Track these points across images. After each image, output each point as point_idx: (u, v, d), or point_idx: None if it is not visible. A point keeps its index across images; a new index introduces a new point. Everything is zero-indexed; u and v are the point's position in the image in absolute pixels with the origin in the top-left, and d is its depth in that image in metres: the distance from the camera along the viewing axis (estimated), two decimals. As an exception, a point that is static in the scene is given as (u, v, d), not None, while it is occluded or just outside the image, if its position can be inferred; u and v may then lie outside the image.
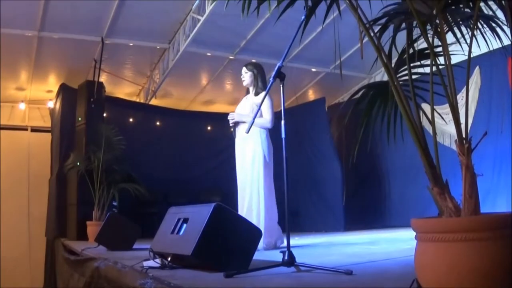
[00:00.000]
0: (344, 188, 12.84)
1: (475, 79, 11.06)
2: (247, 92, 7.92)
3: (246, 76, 7.76)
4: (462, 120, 2.91)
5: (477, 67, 10.95)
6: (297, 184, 13.21)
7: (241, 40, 12.57)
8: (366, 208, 13.74)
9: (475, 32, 3.48)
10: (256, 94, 7.67)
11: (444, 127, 10.43)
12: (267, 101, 7.32)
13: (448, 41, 3.27)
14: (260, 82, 7.70)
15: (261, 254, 6.40)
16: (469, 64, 3.01)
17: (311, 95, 15.96)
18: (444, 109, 2.95)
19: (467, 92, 3.07)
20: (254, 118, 5.67)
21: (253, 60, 10.35)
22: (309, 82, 15.32)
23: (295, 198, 12.91)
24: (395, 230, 10.85)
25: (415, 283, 2.75)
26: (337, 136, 14.24)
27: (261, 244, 6.58)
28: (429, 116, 3.12)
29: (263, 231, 6.82)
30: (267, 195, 7.28)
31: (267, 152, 7.39)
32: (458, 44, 3.65)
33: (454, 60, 3.66)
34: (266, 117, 7.42)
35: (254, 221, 6.74)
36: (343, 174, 12.88)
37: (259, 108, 6.17)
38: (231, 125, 7.57)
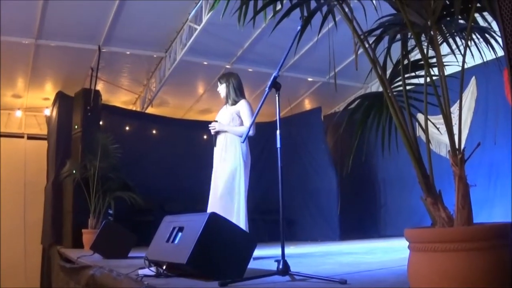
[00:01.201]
0: (339, 197, 12.87)
1: (471, 89, 11.09)
2: (226, 102, 7.87)
3: (221, 88, 7.81)
4: (457, 131, 2.93)
5: (473, 77, 10.98)
6: (293, 193, 13.23)
7: (238, 49, 12.60)
8: (361, 218, 13.75)
9: (470, 43, 3.51)
10: (233, 103, 7.65)
11: (440, 137, 10.46)
12: (247, 108, 7.41)
13: (444, 52, 3.29)
14: (233, 91, 7.69)
15: (256, 263, 6.41)
16: (462, 75, 3.03)
17: (307, 105, 16.00)
18: (440, 119, 2.97)
19: (461, 102, 3.10)
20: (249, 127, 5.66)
21: (229, 66, 10.43)
22: (305, 92, 15.35)
23: (290, 207, 12.91)
24: (390, 240, 10.87)
25: (408, 293, 2.77)
26: (332, 146, 14.27)
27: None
28: (424, 126, 3.14)
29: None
30: (245, 208, 7.23)
31: (244, 164, 7.32)
32: (453, 55, 3.67)
33: (450, 70, 3.69)
34: (247, 125, 7.34)
35: None
36: (338, 183, 12.90)
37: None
38: (212, 134, 7.55)
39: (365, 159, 4.39)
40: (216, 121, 7.53)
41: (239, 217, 7.09)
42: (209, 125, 7.55)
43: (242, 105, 7.49)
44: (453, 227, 2.74)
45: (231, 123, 7.41)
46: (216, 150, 7.57)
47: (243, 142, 6.19)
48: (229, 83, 7.73)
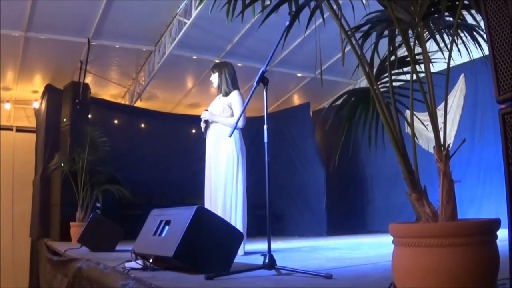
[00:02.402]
0: (325, 193, 12.88)
1: (460, 86, 11.13)
2: (218, 92, 7.75)
3: (214, 78, 7.70)
4: (448, 127, 2.96)
5: (462, 74, 11.02)
6: (281, 189, 13.25)
7: (227, 44, 12.59)
8: (349, 214, 13.81)
9: (457, 41, 3.53)
10: (225, 94, 7.52)
11: (429, 134, 10.46)
12: (238, 100, 7.30)
13: (433, 49, 3.31)
14: (225, 82, 7.57)
15: (242, 257, 6.43)
16: (448, 71, 3.04)
17: (296, 100, 15.99)
18: (428, 116, 2.98)
19: (446, 99, 3.12)
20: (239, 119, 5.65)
21: (218, 61, 10.44)
22: (294, 87, 15.33)
23: (278, 202, 12.95)
24: (378, 236, 10.90)
25: (393, 287, 2.78)
26: (320, 141, 14.29)
27: (241, 251, 6.62)
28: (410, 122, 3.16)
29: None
30: (243, 199, 7.16)
31: (240, 153, 7.24)
32: (441, 52, 3.69)
33: (438, 68, 3.71)
34: (237, 116, 7.14)
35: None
36: (326, 179, 12.91)
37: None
38: (202, 123, 7.44)
39: (353, 155, 4.42)
40: (207, 110, 7.48)
41: (236, 209, 7.05)
42: (201, 114, 7.48)
43: (234, 96, 7.38)
44: (437, 223, 2.76)
45: (222, 114, 7.31)
46: (209, 141, 7.49)
47: (230, 136, 6.12)
48: (222, 73, 7.62)
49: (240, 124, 6.97)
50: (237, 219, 6.99)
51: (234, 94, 7.43)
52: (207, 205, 7.28)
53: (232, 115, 7.35)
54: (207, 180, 7.49)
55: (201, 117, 7.46)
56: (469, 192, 10.12)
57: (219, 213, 6.86)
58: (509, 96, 2.55)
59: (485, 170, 10.33)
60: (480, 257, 2.51)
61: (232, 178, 7.15)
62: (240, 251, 6.45)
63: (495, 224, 2.66)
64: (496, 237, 2.65)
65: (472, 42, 3.76)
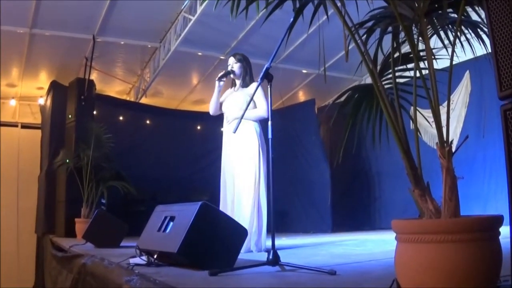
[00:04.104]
0: (330, 189, 12.87)
1: (465, 83, 11.10)
2: (233, 84, 7.70)
3: (236, 66, 7.52)
4: (453, 124, 2.96)
5: (467, 71, 10.98)
6: (285, 185, 13.20)
7: (232, 41, 12.57)
8: (354, 210, 13.77)
9: (462, 38, 3.52)
10: (245, 85, 7.44)
11: (435, 131, 10.43)
12: (260, 90, 6.99)
13: (439, 46, 3.31)
14: (249, 74, 7.52)
15: (246, 253, 6.45)
16: (451, 68, 3.05)
17: (301, 97, 15.97)
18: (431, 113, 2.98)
19: (449, 95, 3.11)
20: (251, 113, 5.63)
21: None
22: (299, 84, 15.32)
23: (283, 198, 12.91)
24: (383, 232, 10.89)
25: (395, 283, 2.79)
26: (325, 138, 14.28)
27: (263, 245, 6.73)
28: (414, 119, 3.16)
29: (264, 230, 6.85)
30: (266, 194, 7.00)
31: (263, 146, 7.14)
32: (445, 49, 3.69)
33: (443, 64, 3.70)
34: (263, 107, 7.16)
35: (250, 219, 6.76)
36: (331, 175, 12.89)
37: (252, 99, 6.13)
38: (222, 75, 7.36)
39: (358, 152, 4.42)
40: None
41: (259, 206, 6.97)
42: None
43: (256, 88, 6.55)
44: (439, 219, 2.76)
45: (244, 107, 6.62)
46: (228, 135, 7.36)
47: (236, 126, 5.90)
48: (246, 64, 7.58)
49: (265, 114, 7.05)
50: (262, 216, 6.94)
51: (256, 85, 7.22)
52: (224, 201, 7.24)
53: (255, 106, 7.24)
54: (226, 177, 7.31)
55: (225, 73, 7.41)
56: (475, 189, 10.09)
57: (240, 209, 6.93)
58: (510, 92, 2.55)
59: (490, 167, 10.30)
60: (482, 253, 2.51)
61: (258, 173, 7.04)
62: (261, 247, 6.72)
63: (497, 220, 2.67)
64: (499, 233, 2.65)
65: (476, 39, 3.75)
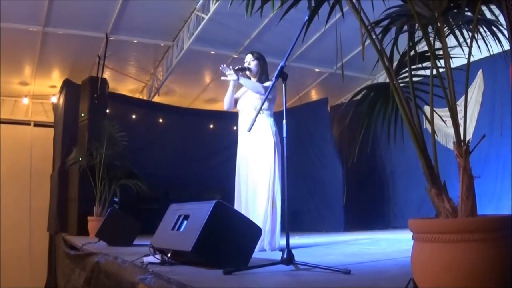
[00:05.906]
0: (344, 188, 12.83)
1: (478, 82, 11.06)
2: None
3: (253, 63, 7.56)
4: (467, 123, 2.94)
5: (480, 70, 10.94)
6: (298, 184, 13.18)
7: (245, 39, 12.57)
8: (367, 209, 13.72)
9: (476, 36, 3.51)
10: (261, 83, 7.38)
11: (448, 130, 10.40)
12: (270, 84, 6.69)
13: (452, 45, 3.29)
14: (264, 73, 7.54)
15: (261, 252, 6.44)
16: (468, 67, 3.03)
17: (314, 95, 15.94)
18: (446, 112, 2.97)
19: (466, 94, 3.11)
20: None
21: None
22: (312, 82, 15.30)
23: (295, 197, 12.88)
24: (396, 231, 10.88)
25: (412, 283, 2.77)
26: (338, 137, 14.26)
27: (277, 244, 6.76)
28: (430, 118, 3.15)
29: (278, 229, 6.84)
30: (280, 192, 6.98)
31: (278, 144, 7.12)
32: (460, 47, 3.68)
33: (457, 63, 3.69)
34: (264, 85, 7.26)
35: (264, 218, 6.76)
36: (344, 174, 12.86)
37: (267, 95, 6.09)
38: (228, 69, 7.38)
39: (373, 151, 4.41)
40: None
41: (275, 204, 6.95)
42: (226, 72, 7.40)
43: (272, 86, 6.30)
44: (456, 218, 2.75)
45: (259, 105, 6.65)
46: (243, 132, 7.29)
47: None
48: (263, 62, 7.62)
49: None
50: (276, 214, 6.92)
51: (269, 83, 7.21)
52: (238, 199, 7.25)
53: (269, 104, 7.27)
54: (244, 172, 7.27)
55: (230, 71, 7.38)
56: (488, 188, 10.05)
57: (255, 208, 6.91)
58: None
59: (503, 166, 10.27)
60: (500, 252, 2.50)
61: (273, 170, 7.01)
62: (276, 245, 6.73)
63: (513, 219, 2.65)
64: (516, 232, 2.64)
65: (492, 38, 3.73)
